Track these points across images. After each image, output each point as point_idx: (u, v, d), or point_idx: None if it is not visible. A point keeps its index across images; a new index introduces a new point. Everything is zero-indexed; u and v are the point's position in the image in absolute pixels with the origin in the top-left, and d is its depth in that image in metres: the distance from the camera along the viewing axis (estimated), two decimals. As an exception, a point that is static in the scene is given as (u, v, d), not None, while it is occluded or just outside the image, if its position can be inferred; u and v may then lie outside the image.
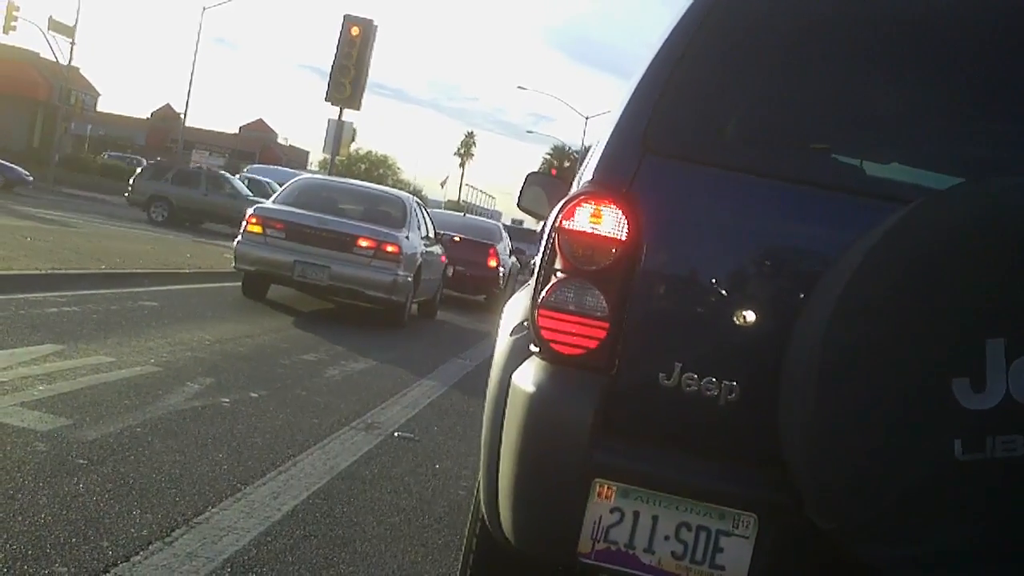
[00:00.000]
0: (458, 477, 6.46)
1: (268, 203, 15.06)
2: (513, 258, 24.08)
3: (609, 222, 2.87)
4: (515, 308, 3.43)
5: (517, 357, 3.03)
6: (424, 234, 15.88)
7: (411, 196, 17.50)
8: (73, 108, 51.61)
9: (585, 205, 2.89)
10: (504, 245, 23.02)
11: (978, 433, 2.43)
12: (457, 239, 20.71)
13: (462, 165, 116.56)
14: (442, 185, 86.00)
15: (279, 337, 11.40)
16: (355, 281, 13.72)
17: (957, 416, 2.44)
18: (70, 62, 49.53)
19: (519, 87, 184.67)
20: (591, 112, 61.90)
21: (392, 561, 4.75)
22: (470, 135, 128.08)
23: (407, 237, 14.47)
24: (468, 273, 20.72)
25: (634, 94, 3.07)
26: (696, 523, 2.81)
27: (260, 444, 6.39)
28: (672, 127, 3.01)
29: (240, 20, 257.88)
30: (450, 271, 19.11)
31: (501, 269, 21.67)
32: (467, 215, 28.76)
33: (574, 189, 3.17)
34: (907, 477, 2.48)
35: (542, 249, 3.02)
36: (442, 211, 30.34)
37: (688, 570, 2.81)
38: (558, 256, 2.92)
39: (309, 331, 12.38)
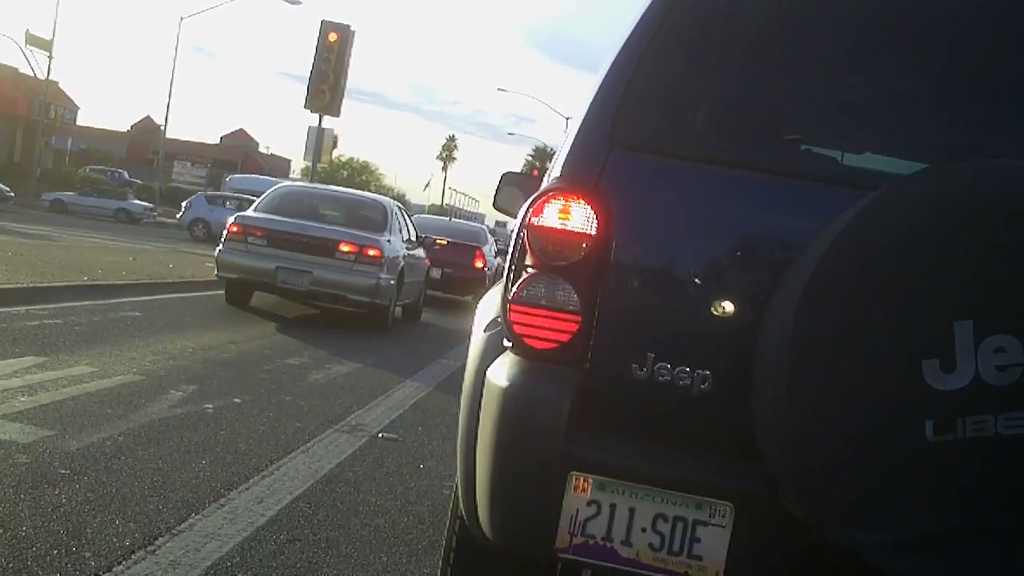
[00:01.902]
0: (442, 477, 6.45)
1: (249, 211, 15.05)
2: (499, 259, 24.49)
3: (578, 217, 2.87)
4: (489, 304, 3.43)
5: (491, 353, 3.03)
6: (406, 237, 15.94)
7: (391, 200, 17.60)
8: (53, 122, 51.56)
9: (553, 201, 2.89)
10: (490, 247, 23.75)
11: (949, 414, 2.44)
12: (444, 242, 21.44)
13: (444, 169, 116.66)
14: (424, 188, 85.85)
15: (262, 343, 11.39)
16: (338, 286, 13.75)
17: (928, 398, 2.45)
18: (48, 76, 49.43)
19: (499, 89, 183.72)
20: (572, 112, 61.81)
21: (377, 562, 4.74)
22: (452, 138, 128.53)
23: (389, 241, 14.52)
24: (456, 275, 21.45)
25: (600, 88, 3.07)
26: (673, 514, 2.81)
27: (243, 450, 6.38)
28: (639, 120, 3.01)
29: (218, 29, 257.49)
30: (438, 273, 19.84)
31: (487, 270, 22.25)
32: (453, 219, 29.36)
33: (543, 185, 3.17)
34: (880, 460, 2.49)
35: (512, 245, 3.02)
36: (429, 216, 30.86)
37: (666, 561, 2.81)
38: (528, 252, 2.92)
39: (293, 336, 12.36)
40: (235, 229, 13.92)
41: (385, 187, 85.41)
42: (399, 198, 55.67)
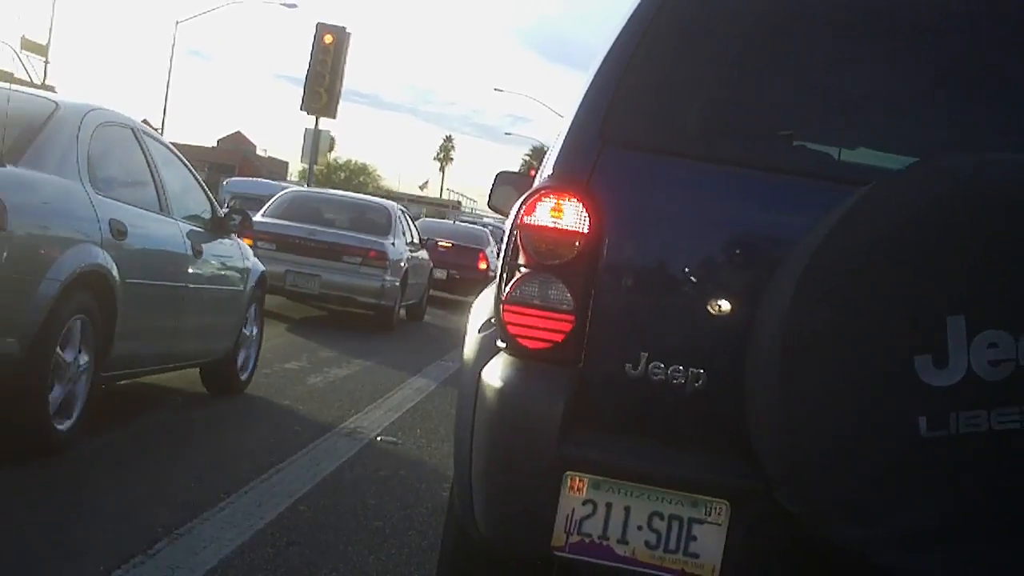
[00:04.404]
0: (441, 479, 6.43)
1: (258, 216, 15.20)
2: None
3: (570, 215, 2.86)
4: (482, 305, 3.43)
5: (485, 354, 3.02)
6: (409, 240, 16.24)
7: (395, 204, 17.86)
8: (51, 127, 51.32)
9: (545, 200, 2.89)
10: (492, 249, 24.05)
11: (942, 410, 2.44)
12: (449, 245, 22.17)
13: (442, 169, 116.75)
14: (420, 188, 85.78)
15: (266, 346, 11.35)
16: (345, 288, 14.15)
17: (920, 393, 2.45)
18: (44, 81, 49.34)
19: (495, 89, 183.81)
20: (568, 112, 61.71)
21: (376, 565, 4.74)
22: (448, 139, 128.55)
23: (393, 244, 14.85)
24: (460, 276, 21.97)
25: (591, 85, 3.07)
26: (668, 512, 2.81)
27: (243, 454, 6.37)
28: (630, 118, 3.01)
29: (214, 32, 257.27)
30: (444, 274, 20.67)
31: (491, 272, 22.48)
32: (456, 222, 29.97)
33: (536, 184, 3.17)
34: (874, 456, 2.49)
35: (505, 245, 3.02)
36: (434, 220, 31.42)
37: (662, 559, 2.81)
38: (521, 252, 2.92)
39: (297, 338, 12.40)
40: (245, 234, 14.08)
41: (383, 189, 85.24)
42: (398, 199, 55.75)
